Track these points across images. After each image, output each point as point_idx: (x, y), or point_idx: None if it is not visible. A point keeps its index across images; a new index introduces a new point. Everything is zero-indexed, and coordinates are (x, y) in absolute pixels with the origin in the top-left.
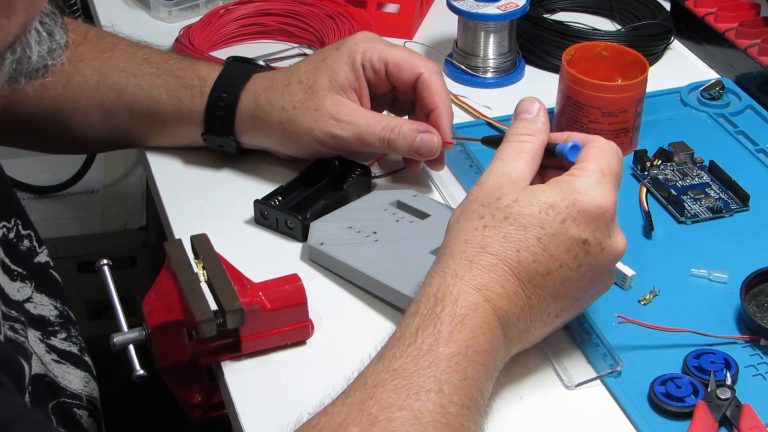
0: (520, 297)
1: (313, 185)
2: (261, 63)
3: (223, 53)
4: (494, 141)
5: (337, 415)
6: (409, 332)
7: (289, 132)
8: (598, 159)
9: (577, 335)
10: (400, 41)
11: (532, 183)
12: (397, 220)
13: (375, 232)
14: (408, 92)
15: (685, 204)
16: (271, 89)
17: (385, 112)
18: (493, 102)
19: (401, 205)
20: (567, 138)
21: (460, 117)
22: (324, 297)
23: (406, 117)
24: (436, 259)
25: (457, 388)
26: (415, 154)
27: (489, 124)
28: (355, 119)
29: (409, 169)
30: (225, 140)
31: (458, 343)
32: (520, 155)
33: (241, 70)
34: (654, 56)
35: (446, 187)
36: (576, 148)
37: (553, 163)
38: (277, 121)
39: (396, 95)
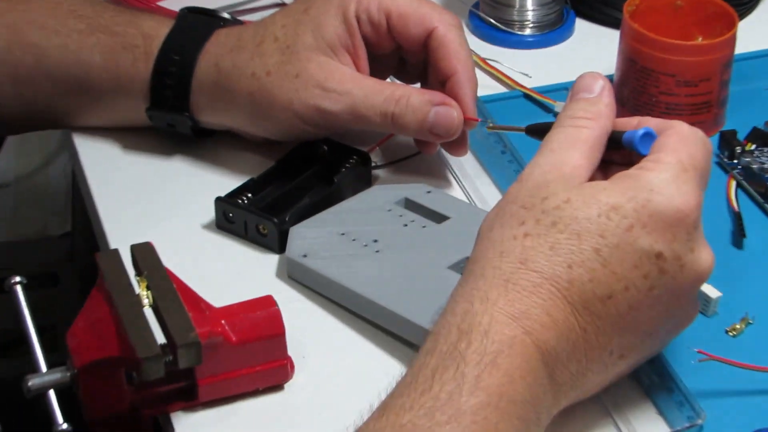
0: (572, 328)
1: (294, 178)
2: (225, 15)
3: (175, 3)
4: (540, 130)
5: None
6: (423, 376)
7: (261, 106)
8: (678, 149)
9: (645, 378)
10: None
11: (590, 180)
12: (406, 225)
13: (376, 241)
14: (418, 53)
15: None
16: (238, 50)
17: (389, 80)
18: (532, 67)
19: (411, 205)
20: (638, 124)
21: (488, 87)
22: (308, 327)
23: (417, 86)
24: (461, 279)
25: None
26: (429, 134)
27: (527, 97)
28: (349, 88)
29: (422, 152)
30: (177, 117)
31: (488, 390)
32: (575, 144)
33: (198, 25)
34: (745, 7)
35: (470, 180)
36: (649, 136)
37: (619, 157)
38: (246, 92)
39: (403, 57)
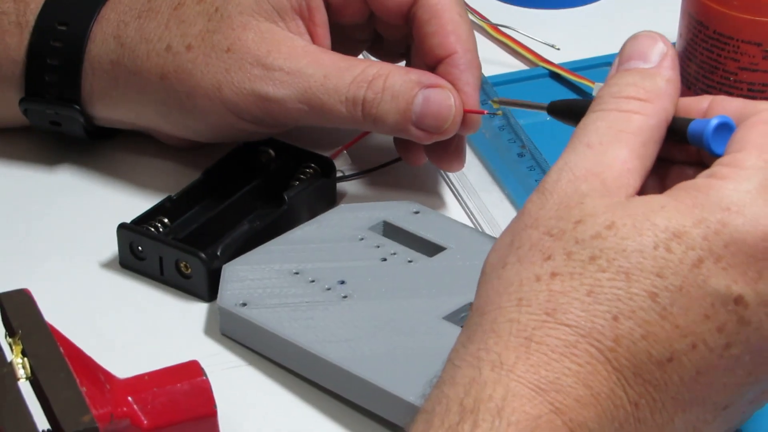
0: (618, 404)
1: (228, 196)
2: None
3: None
4: (571, 110)
5: None
6: None
7: (178, 93)
8: (765, 146)
9: None
10: None
11: (641, 192)
12: (384, 259)
13: (343, 282)
14: (400, 25)
15: None
16: (147, 15)
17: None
18: (561, 36)
19: (392, 231)
20: (710, 109)
21: (500, 64)
22: (249, 402)
23: (402, 64)
24: (461, 334)
25: None
26: (414, 129)
27: (554, 76)
28: (301, 66)
29: (405, 161)
30: (64, 112)
31: None
32: (621, 137)
33: None
34: None
35: (474, 194)
36: (726, 127)
37: (684, 155)
38: (157, 74)
39: (380, 31)
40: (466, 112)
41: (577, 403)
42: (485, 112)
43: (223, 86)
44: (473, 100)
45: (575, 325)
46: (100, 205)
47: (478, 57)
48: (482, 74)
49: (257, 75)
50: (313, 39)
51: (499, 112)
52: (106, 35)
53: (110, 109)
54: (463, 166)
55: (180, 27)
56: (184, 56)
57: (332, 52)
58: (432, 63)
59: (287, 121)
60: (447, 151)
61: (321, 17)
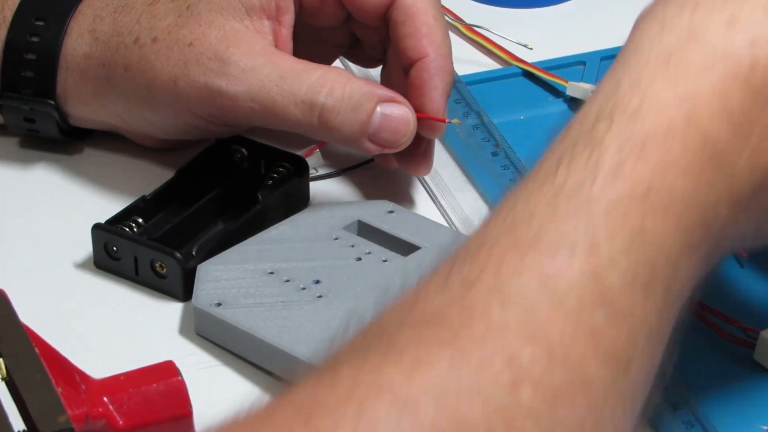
0: (751, 125)
1: (202, 196)
2: None
3: None
4: None
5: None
6: (544, 169)
7: (139, 85)
8: None
9: None
10: None
11: None
12: (359, 258)
13: (318, 282)
14: (377, 28)
15: None
16: (122, 10)
17: (337, 64)
18: (534, 36)
19: (366, 230)
20: None
21: (475, 63)
22: (224, 402)
23: (373, 72)
24: (607, 72)
25: (625, 248)
26: (368, 142)
27: (527, 75)
28: (257, 63)
29: (378, 164)
30: (38, 109)
31: (631, 180)
32: None
33: None
34: None
35: (449, 194)
36: None
37: None
38: (123, 64)
39: (357, 34)
40: (428, 118)
41: (712, 114)
42: (446, 120)
43: (179, 79)
44: (438, 105)
45: (716, 45)
46: (74, 205)
47: (450, 61)
48: (456, 74)
49: (212, 69)
50: (276, 38)
51: (460, 122)
52: (81, 29)
53: (82, 106)
54: (430, 170)
55: (150, 21)
56: (149, 48)
57: (291, 56)
58: (406, 65)
59: (239, 120)
60: (414, 154)
61: (288, 19)
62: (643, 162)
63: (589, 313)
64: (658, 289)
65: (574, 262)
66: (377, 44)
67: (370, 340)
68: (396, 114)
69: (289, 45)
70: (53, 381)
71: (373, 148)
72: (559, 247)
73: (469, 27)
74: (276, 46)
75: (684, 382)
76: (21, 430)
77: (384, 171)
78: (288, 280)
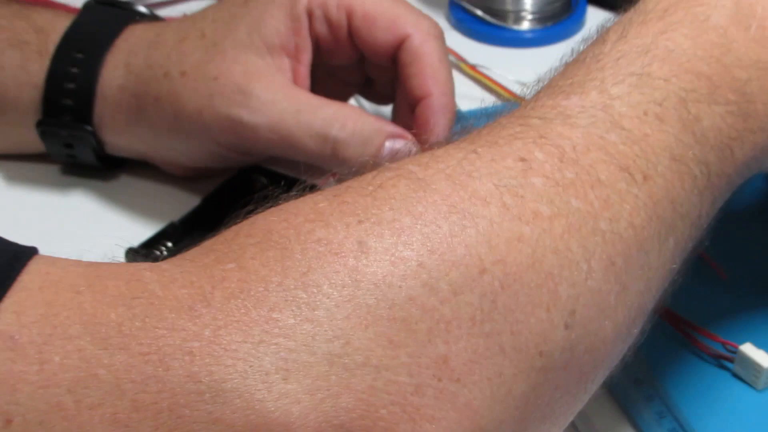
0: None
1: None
2: (141, 9)
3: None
4: None
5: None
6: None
7: (167, 115)
8: None
9: None
10: None
11: None
12: None
13: None
14: (387, 67)
15: None
16: (155, 46)
17: (351, 102)
18: (532, 72)
19: None
20: None
21: (476, 99)
22: None
23: (385, 109)
24: None
25: (633, 83)
26: None
27: None
28: (278, 98)
29: None
30: (77, 134)
31: (636, 41)
32: None
33: (107, 18)
34: None
35: None
36: None
37: None
38: (153, 96)
39: (369, 73)
40: None
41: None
42: None
43: (204, 110)
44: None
45: None
46: (109, 229)
47: (453, 100)
48: (459, 109)
49: (235, 101)
50: (295, 75)
51: None
52: (117, 62)
53: (116, 134)
54: None
55: (179, 57)
56: (178, 81)
57: (308, 92)
58: (412, 102)
59: (259, 149)
60: None
61: (306, 58)
62: (647, 27)
63: (602, 131)
64: (672, 121)
65: (586, 98)
66: (388, 83)
67: None
68: (403, 149)
69: (307, 82)
70: None
71: None
72: (572, 92)
73: (472, 67)
74: (294, 82)
75: (668, 391)
76: None
77: None
78: None
